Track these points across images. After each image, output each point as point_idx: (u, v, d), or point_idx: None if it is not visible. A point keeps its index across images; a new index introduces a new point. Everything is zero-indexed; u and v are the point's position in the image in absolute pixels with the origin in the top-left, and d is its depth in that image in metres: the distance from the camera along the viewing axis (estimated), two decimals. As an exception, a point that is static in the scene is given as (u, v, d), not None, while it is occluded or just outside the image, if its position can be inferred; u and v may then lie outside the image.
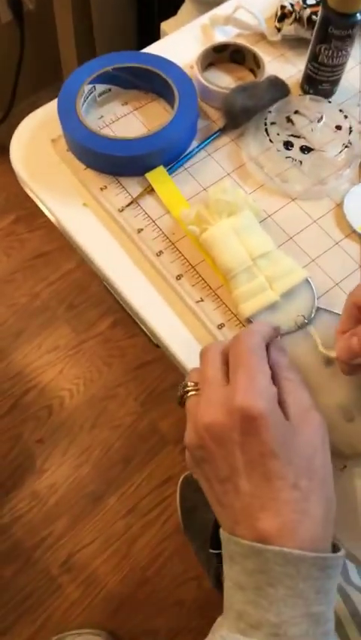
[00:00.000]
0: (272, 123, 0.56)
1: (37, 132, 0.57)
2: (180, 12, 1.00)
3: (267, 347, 0.38)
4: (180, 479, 1.19)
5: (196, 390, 0.38)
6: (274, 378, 0.36)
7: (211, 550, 0.87)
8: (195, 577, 1.13)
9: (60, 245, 1.43)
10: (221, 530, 0.36)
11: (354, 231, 0.52)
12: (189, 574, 1.13)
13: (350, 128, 0.56)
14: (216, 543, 0.86)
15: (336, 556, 0.33)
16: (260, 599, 0.32)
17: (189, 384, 0.38)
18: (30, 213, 1.47)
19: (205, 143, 0.56)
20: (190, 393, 0.38)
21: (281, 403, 0.35)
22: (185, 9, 0.98)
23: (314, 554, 0.32)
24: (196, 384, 0.38)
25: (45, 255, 1.44)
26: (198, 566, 1.13)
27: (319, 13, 0.52)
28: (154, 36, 1.04)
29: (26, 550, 1.12)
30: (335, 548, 0.35)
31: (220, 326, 0.48)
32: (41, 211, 0.56)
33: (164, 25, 0.97)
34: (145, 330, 0.51)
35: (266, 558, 0.32)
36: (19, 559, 1.11)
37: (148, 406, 1.28)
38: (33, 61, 1.39)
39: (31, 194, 0.55)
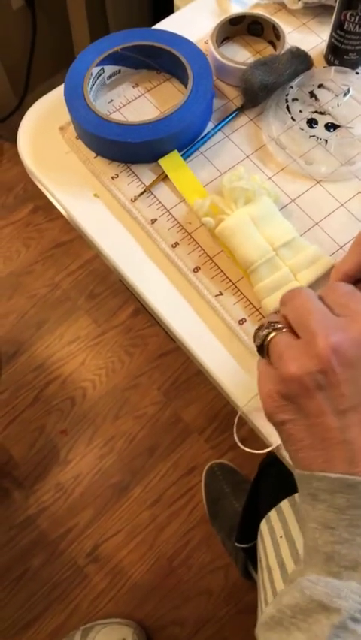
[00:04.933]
0: (294, 99, 0.52)
1: (45, 120, 0.54)
2: (194, -15, 0.95)
3: None
4: (205, 469, 1.17)
5: (280, 330, 0.33)
6: None
7: (237, 544, 0.85)
8: (222, 566, 1.12)
9: (79, 234, 1.41)
10: (296, 471, 0.32)
11: (385, 215, 0.48)
12: (216, 563, 1.12)
13: (380, 101, 0.52)
14: (243, 536, 0.84)
15: None
16: (356, 537, 0.29)
17: (273, 323, 0.34)
18: (48, 202, 1.44)
19: (222, 124, 0.52)
20: (274, 333, 0.33)
21: None
22: (200, -19, 0.93)
23: None
24: (277, 323, 0.34)
25: (64, 245, 1.42)
26: (224, 555, 1.12)
27: (344, -25, 0.48)
28: (170, 12, 1.00)
29: (53, 541, 1.13)
30: None
31: (241, 321, 0.45)
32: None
33: (177, 0, 0.92)
34: (161, 324, 0.48)
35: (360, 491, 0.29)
36: (46, 550, 1.12)
37: (171, 394, 1.26)
38: (46, 46, 1.36)
39: (39, 186, 0.53)
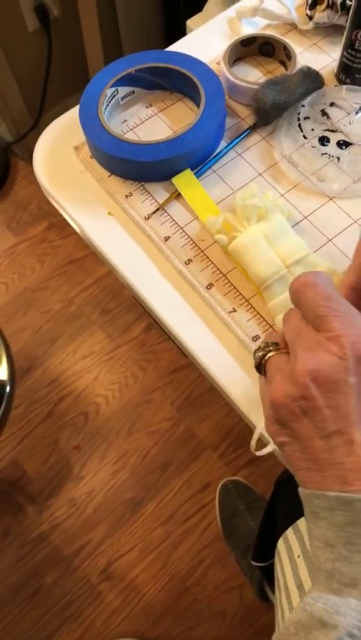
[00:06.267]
0: (306, 118, 0.52)
1: (60, 140, 0.56)
2: (206, 8, 0.97)
3: None
4: (219, 486, 1.16)
5: (277, 350, 0.35)
6: None
7: (253, 563, 0.84)
8: (237, 586, 1.10)
9: (93, 250, 1.43)
10: (300, 489, 0.33)
11: None
12: (230, 583, 1.11)
13: (392, 118, 0.52)
14: (259, 554, 0.82)
15: None
16: (353, 554, 0.30)
17: (269, 344, 0.35)
18: (63, 220, 1.46)
19: (234, 142, 0.53)
20: (271, 354, 0.35)
21: None
22: (211, 4, 0.95)
23: None
24: (276, 344, 0.35)
25: (78, 261, 1.44)
26: (239, 574, 1.10)
27: (354, -4, 0.48)
28: (182, 35, 1.02)
29: (66, 558, 1.12)
30: None
31: (255, 338, 0.45)
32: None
33: (190, 23, 0.94)
34: (174, 341, 0.48)
35: (357, 508, 0.29)
36: (59, 567, 1.11)
37: (184, 410, 1.26)
38: (61, 68, 1.39)
39: (55, 204, 0.54)
